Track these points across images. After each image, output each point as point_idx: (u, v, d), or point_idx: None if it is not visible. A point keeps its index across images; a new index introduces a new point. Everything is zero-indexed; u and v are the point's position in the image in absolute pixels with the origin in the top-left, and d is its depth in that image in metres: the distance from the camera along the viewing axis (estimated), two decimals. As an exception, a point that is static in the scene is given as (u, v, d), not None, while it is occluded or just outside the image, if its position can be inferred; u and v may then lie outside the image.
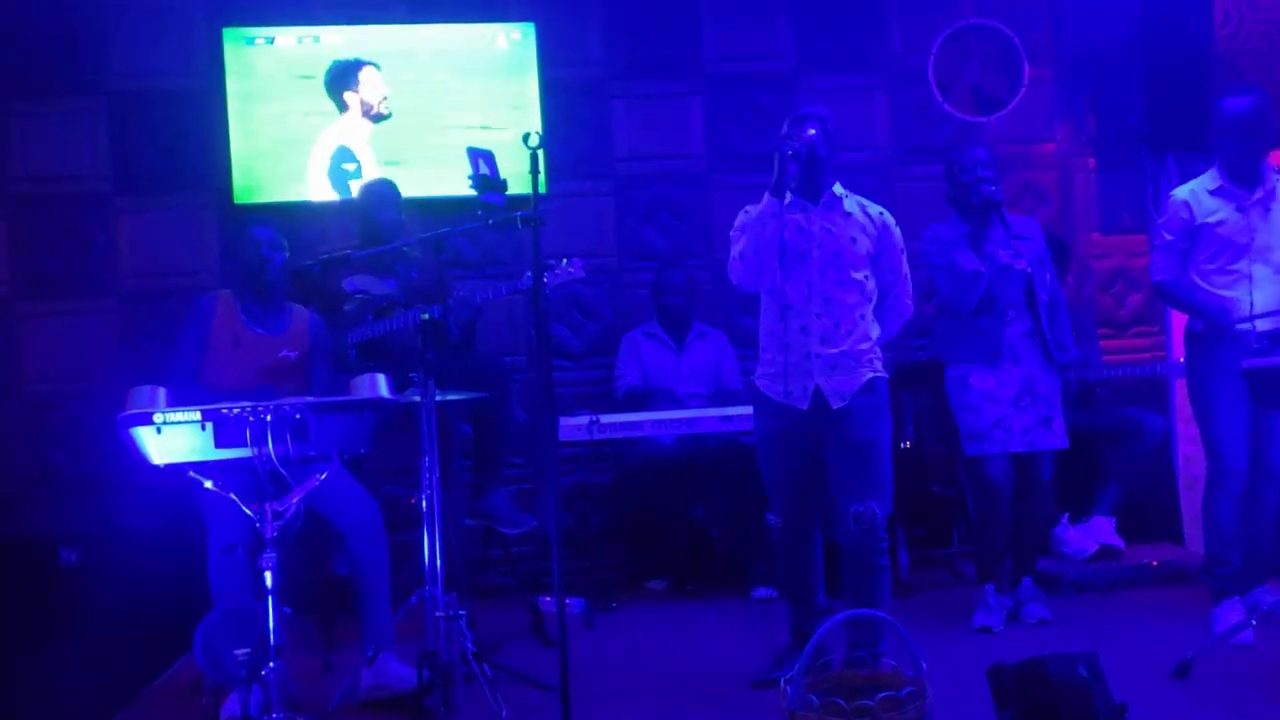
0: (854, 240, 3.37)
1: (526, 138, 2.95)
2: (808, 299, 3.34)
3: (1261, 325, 3.82)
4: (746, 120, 5.42)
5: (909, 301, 3.52)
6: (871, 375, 3.37)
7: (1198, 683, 3.42)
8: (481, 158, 3.12)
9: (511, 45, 5.16)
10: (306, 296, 4.48)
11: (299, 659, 3.90)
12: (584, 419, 4.38)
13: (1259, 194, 3.87)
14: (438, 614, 3.13)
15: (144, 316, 5.06)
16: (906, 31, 5.51)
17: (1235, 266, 3.86)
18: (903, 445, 4.83)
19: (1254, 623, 3.67)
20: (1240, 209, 3.86)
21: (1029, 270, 4.01)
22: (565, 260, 4.06)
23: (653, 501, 4.80)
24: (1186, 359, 4.03)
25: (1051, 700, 2.66)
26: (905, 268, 3.48)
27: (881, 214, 3.45)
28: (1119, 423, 4.94)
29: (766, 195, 3.23)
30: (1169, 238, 3.96)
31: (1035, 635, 3.96)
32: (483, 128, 5.10)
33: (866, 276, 3.39)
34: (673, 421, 4.48)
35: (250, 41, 5.05)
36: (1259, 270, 3.84)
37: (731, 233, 3.44)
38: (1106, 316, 5.58)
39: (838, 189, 3.43)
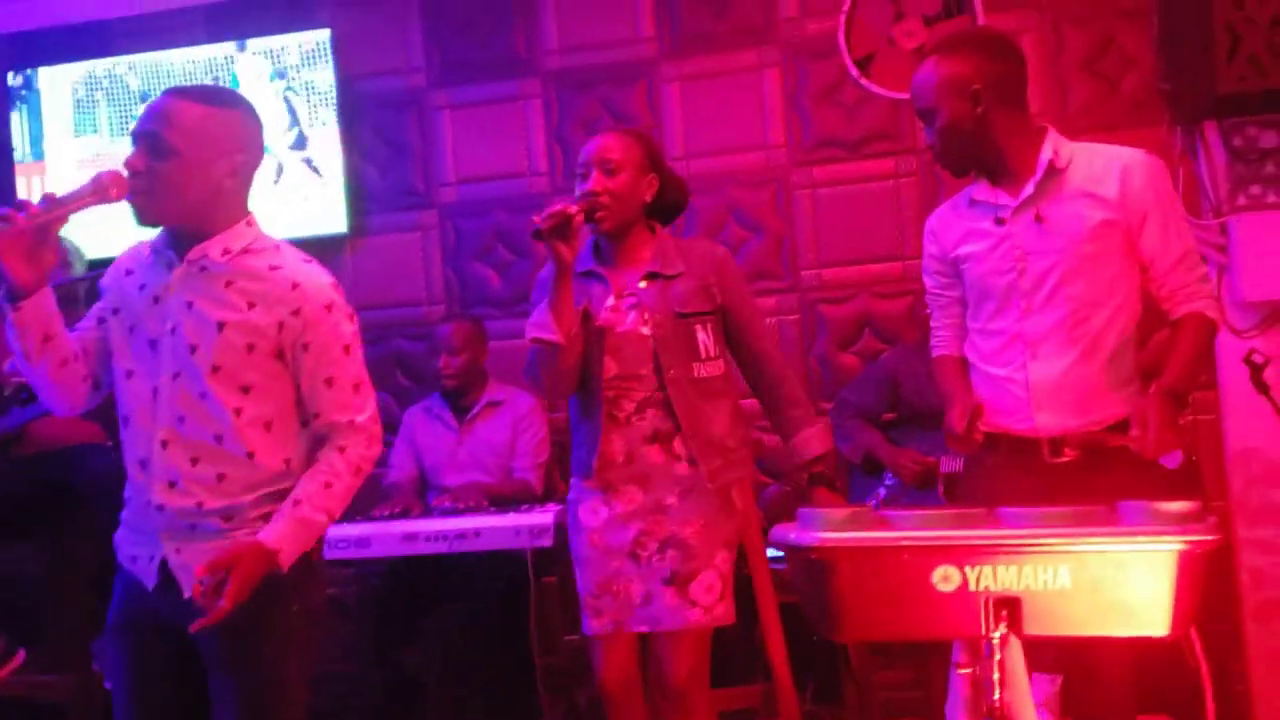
0: (222, 327, 1.99)
1: None
2: (152, 415, 2.02)
3: (1045, 420, 2.25)
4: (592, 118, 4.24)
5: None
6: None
7: None
8: None
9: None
10: None
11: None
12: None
13: (1028, 190, 2.30)
14: None
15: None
16: (806, -12, 4.10)
17: (999, 324, 2.31)
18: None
19: None
20: (999, 221, 2.30)
21: (651, 332, 2.52)
22: None
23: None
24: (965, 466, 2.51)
25: None
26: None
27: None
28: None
29: None
30: (931, 288, 2.50)
31: None
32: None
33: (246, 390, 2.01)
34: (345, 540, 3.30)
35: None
36: (1035, 323, 2.26)
37: None
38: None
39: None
